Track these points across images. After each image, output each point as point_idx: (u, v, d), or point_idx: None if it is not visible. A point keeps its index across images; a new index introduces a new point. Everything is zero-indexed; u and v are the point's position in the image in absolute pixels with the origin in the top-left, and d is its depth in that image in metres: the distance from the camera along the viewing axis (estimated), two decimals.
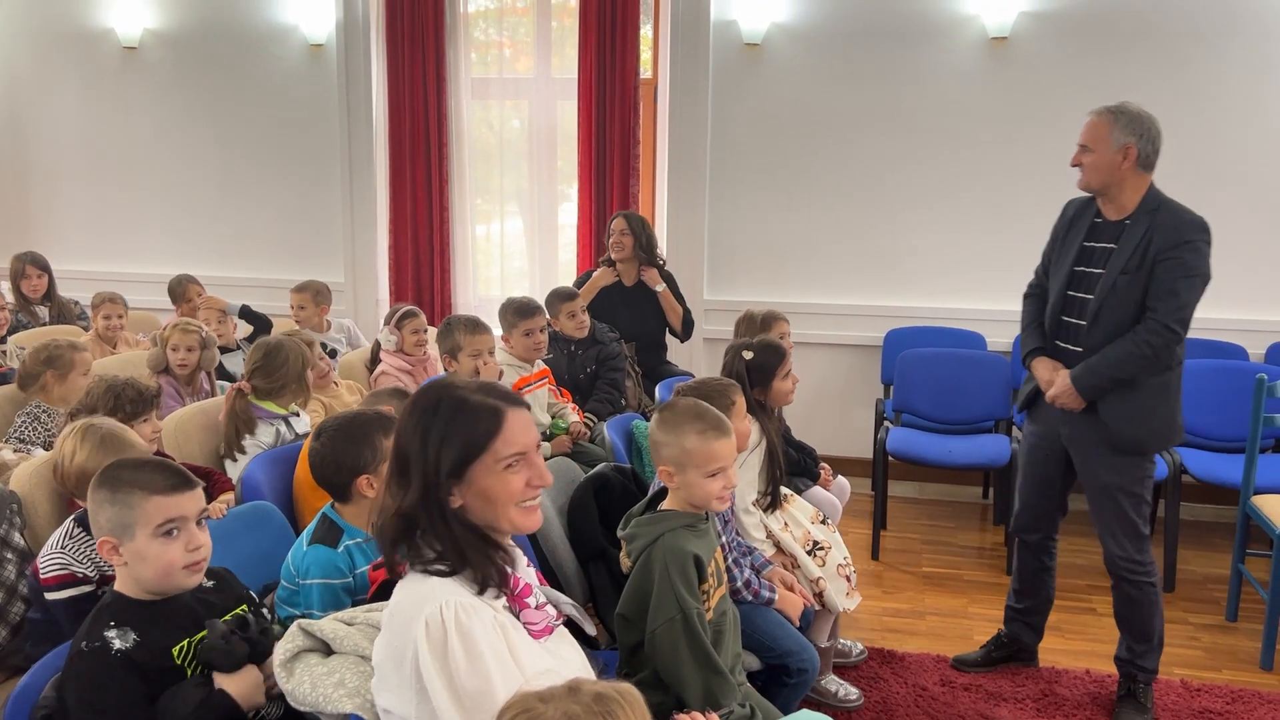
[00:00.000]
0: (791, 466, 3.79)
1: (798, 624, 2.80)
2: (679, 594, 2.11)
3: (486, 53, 6.09)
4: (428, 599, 1.51)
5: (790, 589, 2.85)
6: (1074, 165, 3.10)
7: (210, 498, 2.75)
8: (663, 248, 5.84)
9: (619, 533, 2.29)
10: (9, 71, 6.44)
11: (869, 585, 4.29)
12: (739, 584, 2.67)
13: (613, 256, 5.01)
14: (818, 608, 3.13)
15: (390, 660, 1.50)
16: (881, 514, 4.72)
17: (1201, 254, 2.95)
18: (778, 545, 3.10)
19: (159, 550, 1.76)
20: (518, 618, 1.64)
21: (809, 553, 3.16)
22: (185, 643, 1.75)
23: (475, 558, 1.59)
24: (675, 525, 2.21)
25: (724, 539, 2.78)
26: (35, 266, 5.43)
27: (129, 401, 2.89)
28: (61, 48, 6.34)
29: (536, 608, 1.66)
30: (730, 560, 2.68)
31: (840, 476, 4.03)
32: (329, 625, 1.70)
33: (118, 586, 1.78)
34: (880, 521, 4.69)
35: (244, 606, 1.90)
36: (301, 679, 1.63)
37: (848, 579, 3.19)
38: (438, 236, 5.96)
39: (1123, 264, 2.99)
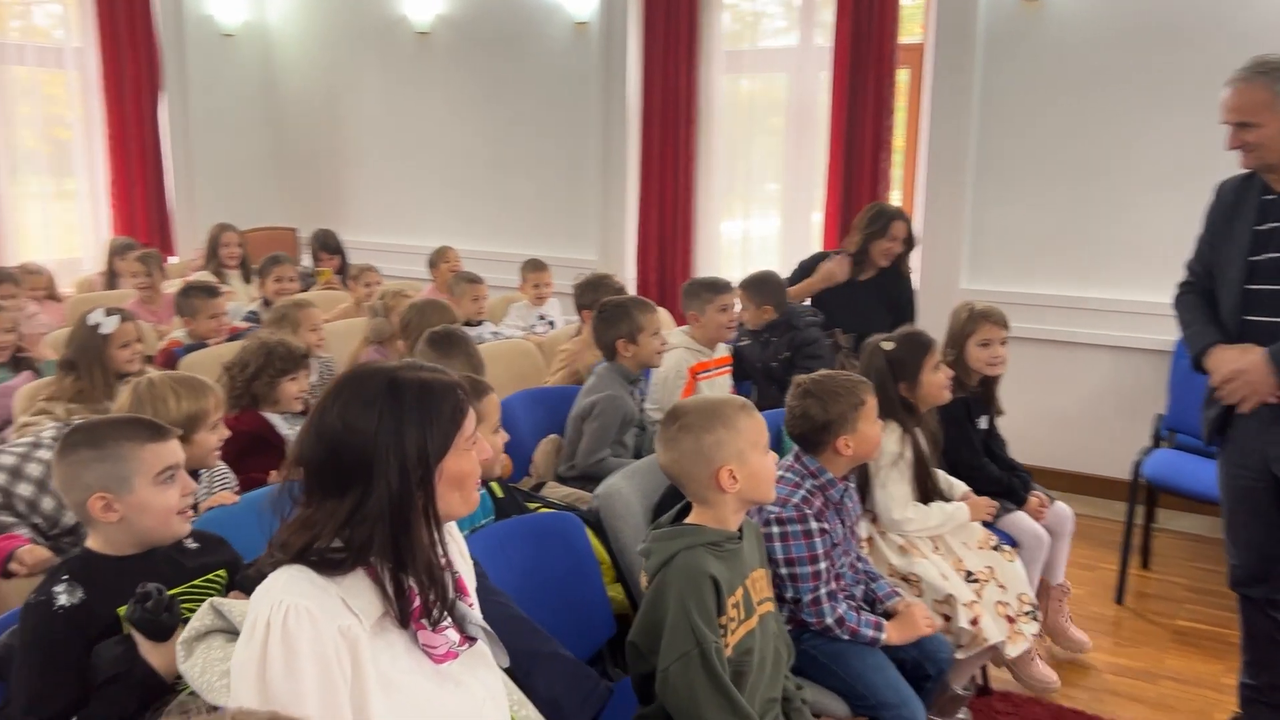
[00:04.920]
0: (992, 486, 3.28)
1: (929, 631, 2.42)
2: (695, 625, 1.82)
3: (742, 24, 5.85)
4: (270, 592, 1.38)
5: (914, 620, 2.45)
6: (1234, 148, 2.55)
7: None
8: (918, 229, 5.34)
9: (638, 547, 2.03)
10: (330, 62, 7.12)
11: (1100, 634, 3.62)
12: (829, 620, 2.30)
13: (882, 263, 4.49)
14: (959, 644, 2.67)
15: None
16: (1135, 549, 3.98)
17: None
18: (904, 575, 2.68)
19: (159, 497, 1.79)
20: (415, 639, 1.47)
21: (966, 579, 2.72)
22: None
23: (426, 568, 1.43)
24: (695, 543, 1.90)
25: (851, 556, 2.45)
26: (325, 251, 5.99)
27: (279, 359, 3.04)
28: (366, 36, 6.90)
29: (435, 630, 1.47)
30: (823, 592, 2.31)
31: (1060, 504, 3.42)
32: (241, 607, 1.61)
33: (89, 544, 1.81)
34: (1129, 558, 3.95)
35: (221, 573, 1.88)
36: (196, 661, 1.55)
37: (1009, 619, 2.69)
38: (683, 216, 5.83)
39: None
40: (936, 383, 2.85)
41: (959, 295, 5.14)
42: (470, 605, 1.57)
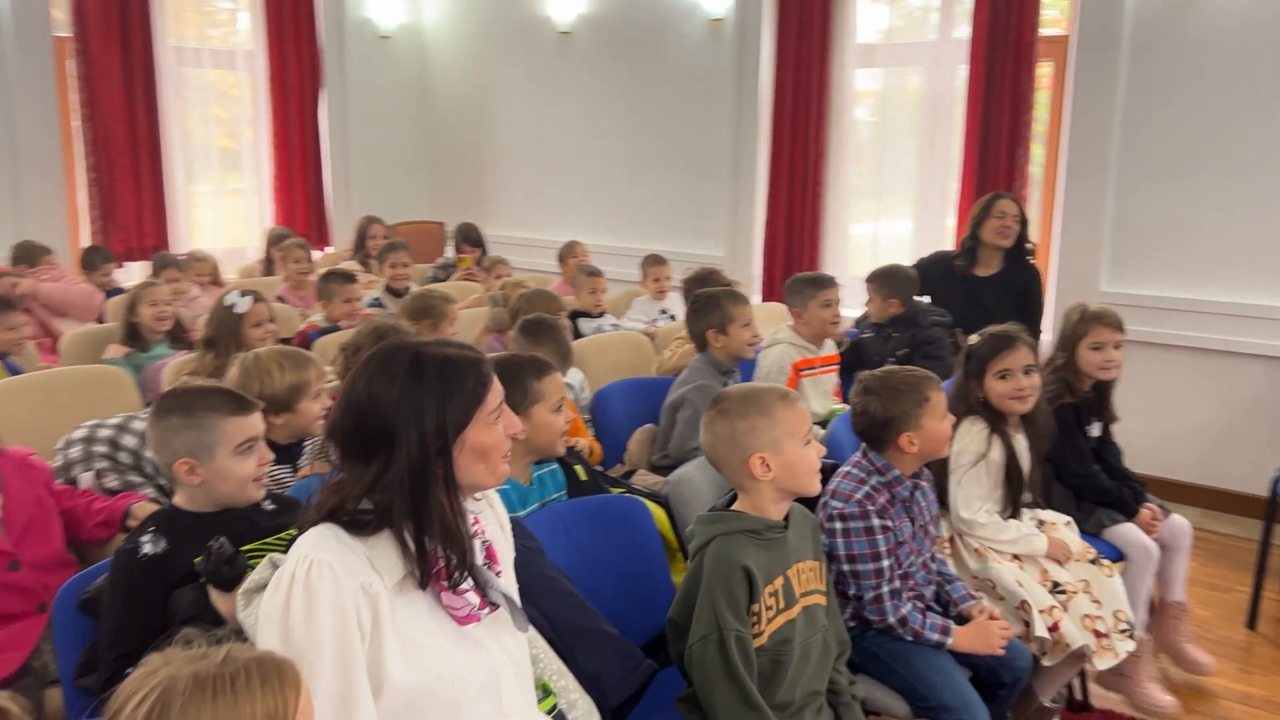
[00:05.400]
0: (1101, 496, 3.14)
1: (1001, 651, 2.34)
2: (718, 611, 1.84)
3: (878, 17, 5.74)
4: (299, 548, 1.48)
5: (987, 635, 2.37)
6: None
7: None
8: (1057, 227, 5.14)
9: (686, 530, 2.06)
10: (478, 62, 7.40)
11: (1226, 660, 3.41)
12: (891, 620, 2.27)
13: (1001, 243, 4.37)
14: (1042, 651, 2.56)
15: None
16: (1276, 571, 3.71)
17: None
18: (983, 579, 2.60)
19: (238, 466, 1.95)
20: (439, 600, 1.55)
21: (1052, 591, 2.62)
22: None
23: (451, 531, 1.52)
24: (734, 529, 1.92)
25: (924, 556, 2.41)
26: (468, 243, 6.25)
27: None
28: (512, 37, 7.13)
29: (455, 592, 1.55)
30: (885, 590, 2.28)
31: (1176, 517, 3.24)
32: None
33: (175, 500, 1.98)
34: (1266, 581, 3.69)
35: (291, 532, 2.01)
36: (252, 610, 1.68)
37: (1097, 634, 2.57)
38: (811, 213, 5.78)
39: None
40: (997, 390, 2.71)
41: (1098, 298, 4.90)
42: (498, 574, 1.64)
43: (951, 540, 2.69)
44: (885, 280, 4.09)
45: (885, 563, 2.29)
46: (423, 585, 1.51)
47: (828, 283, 3.77)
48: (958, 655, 2.33)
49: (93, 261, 5.37)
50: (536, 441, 2.35)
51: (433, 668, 1.50)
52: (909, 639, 2.28)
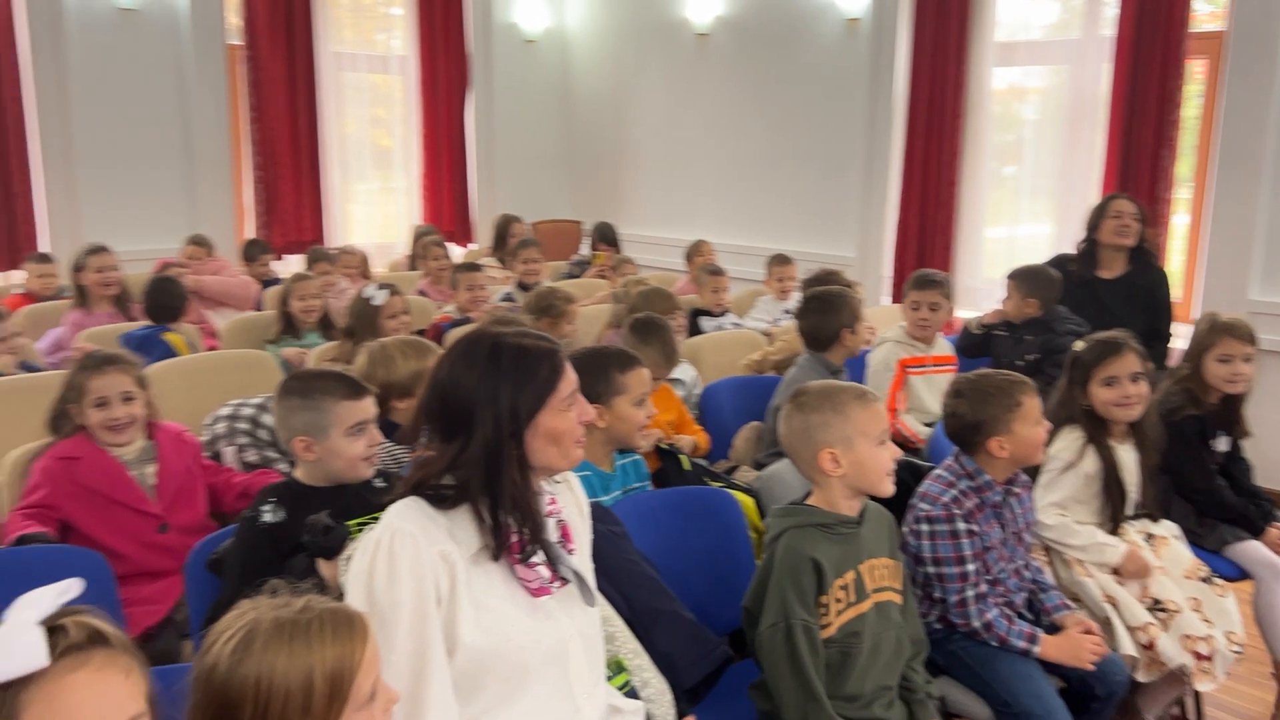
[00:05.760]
0: (1224, 513, 3.02)
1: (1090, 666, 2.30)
2: (786, 601, 1.91)
3: (1018, 14, 5.59)
4: (386, 518, 1.61)
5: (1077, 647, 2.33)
6: None
7: None
8: (1205, 231, 4.91)
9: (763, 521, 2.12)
10: (618, 64, 7.57)
11: None
12: (976, 624, 2.26)
13: (1122, 243, 4.24)
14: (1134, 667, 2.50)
15: None
16: None
17: None
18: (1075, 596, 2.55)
19: (349, 446, 2.12)
20: (513, 572, 1.67)
21: (1151, 609, 2.55)
22: None
23: (523, 508, 1.64)
24: (806, 522, 1.97)
25: (1016, 563, 2.40)
26: (604, 242, 6.45)
27: None
28: (651, 39, 7.27)
29: (527, 565, 1.66)
30: (970, 594, 2.27)
31: None
32: None
33: (295, 473, 2.17)
34: None
35: None
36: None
37: (1197, 654, 2.49)
38: (945, 214, 5.69)
39: None
40: (1101, 397, 2.63)
41: (1246, 306, 4.72)
42: (571, 552, 1.74)
43: (1047, 548, 2.65)
44: (1026, 279, 4.01)
45: (970, 566, 2.28)
46: (495, 556, 1.62)
47: (923, 283, 3.75)
48: (1048, 665, 2.31)
49: (252, 254, 5.79)
50: (616, 431, 2.42)
51: (502, 632, 1.61)
52: (994, 644, 2.27)
